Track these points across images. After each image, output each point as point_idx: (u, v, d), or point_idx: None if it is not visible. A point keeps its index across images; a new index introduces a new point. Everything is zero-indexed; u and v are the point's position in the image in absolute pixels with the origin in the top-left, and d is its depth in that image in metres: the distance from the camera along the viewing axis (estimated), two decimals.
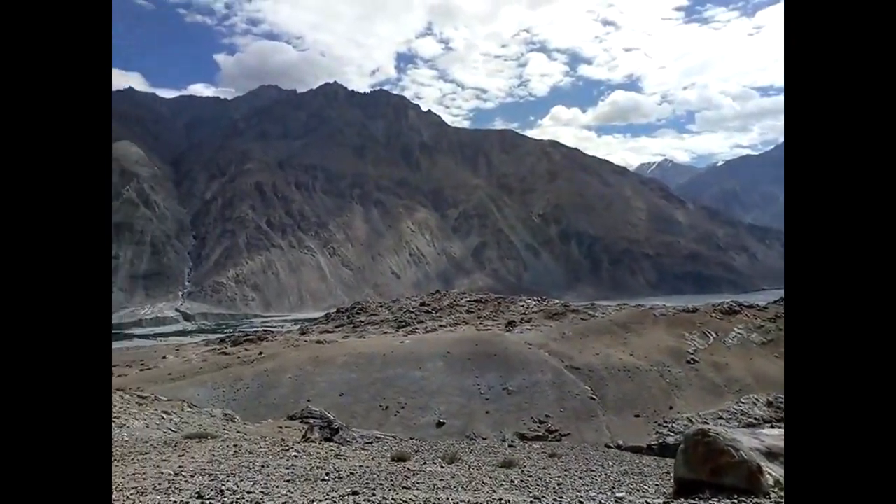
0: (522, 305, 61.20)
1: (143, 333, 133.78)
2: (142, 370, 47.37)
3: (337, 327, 64.41)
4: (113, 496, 4.20)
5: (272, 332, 78.33)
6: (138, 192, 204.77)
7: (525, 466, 7.69)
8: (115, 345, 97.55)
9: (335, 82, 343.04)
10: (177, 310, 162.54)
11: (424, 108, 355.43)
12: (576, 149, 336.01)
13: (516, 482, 6.00)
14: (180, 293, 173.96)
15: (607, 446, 21.08)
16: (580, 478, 7.80)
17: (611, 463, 10.79)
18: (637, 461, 11.45)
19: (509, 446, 13.62)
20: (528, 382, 32.12)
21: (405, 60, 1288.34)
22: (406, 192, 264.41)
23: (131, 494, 4.22)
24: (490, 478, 6.13)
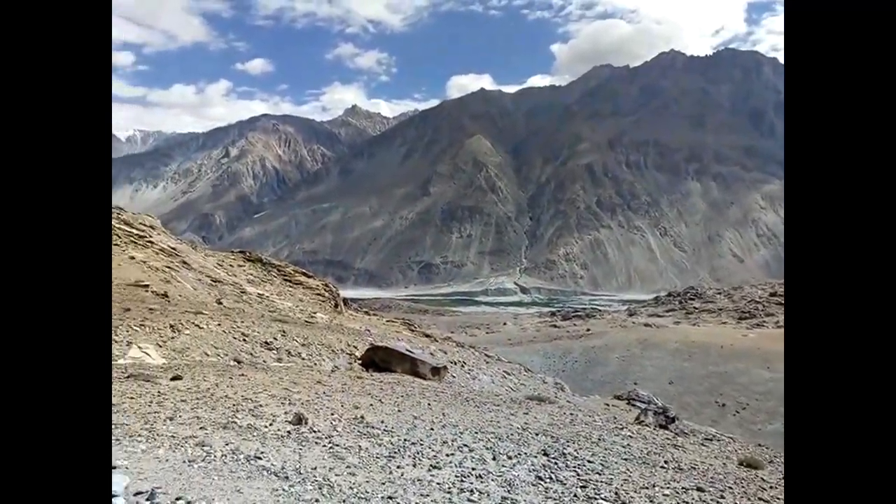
0: None
1: (488, 301, 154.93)
2: (487, 333, 55.16)
3: (667, 311, 61.37)
4: (478, 435, 5.08)
5: (599, 310, 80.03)
6: (486, 179, 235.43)
7: None
8: (466, 309, 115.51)
9: (671, 50, 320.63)
10: (515, 283, 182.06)
11: (783, 61, 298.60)
12: None
13: None
14: (518, 268, 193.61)
15: None
16: None
17: None
18: None
19: None
20: None
21: (758, 10, 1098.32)
22: (754, 162, 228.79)
23: (491, 438, 5.04)
24: None
